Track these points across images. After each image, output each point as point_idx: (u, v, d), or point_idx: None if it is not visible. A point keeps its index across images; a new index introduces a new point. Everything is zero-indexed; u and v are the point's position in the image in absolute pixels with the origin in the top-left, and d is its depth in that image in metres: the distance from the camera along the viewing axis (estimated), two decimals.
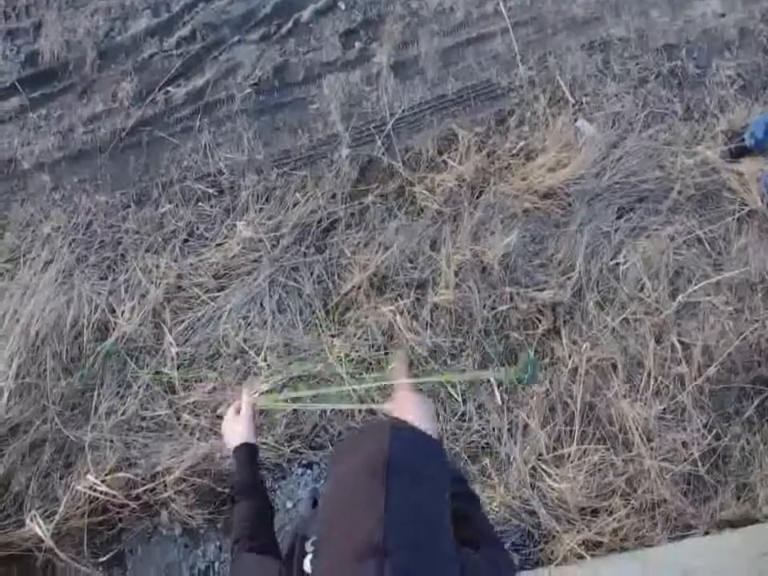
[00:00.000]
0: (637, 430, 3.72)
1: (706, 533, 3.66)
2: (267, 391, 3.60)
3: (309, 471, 3.66)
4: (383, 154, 4.25)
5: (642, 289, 4.02)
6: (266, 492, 2.00)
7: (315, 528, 1.55)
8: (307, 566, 1.42)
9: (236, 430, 2.05)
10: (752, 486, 3.79)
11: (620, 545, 3.57)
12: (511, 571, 1.78)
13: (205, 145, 4.19)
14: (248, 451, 2.00)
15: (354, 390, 3.56)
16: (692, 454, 3.73)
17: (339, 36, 4.55)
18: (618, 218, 4.21)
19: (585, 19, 4.71)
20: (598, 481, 3.64)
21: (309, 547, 1.48)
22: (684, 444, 3.76)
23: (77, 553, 3.40)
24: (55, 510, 3.32)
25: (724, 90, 4.57)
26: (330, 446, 3.67)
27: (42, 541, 3.23)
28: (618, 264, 4.08)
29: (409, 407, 1.85)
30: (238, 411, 2.12)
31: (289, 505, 3.58)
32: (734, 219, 4.23)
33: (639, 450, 3.70)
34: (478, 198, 4.17)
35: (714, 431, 3.82)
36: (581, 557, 3.49)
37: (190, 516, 3.47)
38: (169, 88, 4.27)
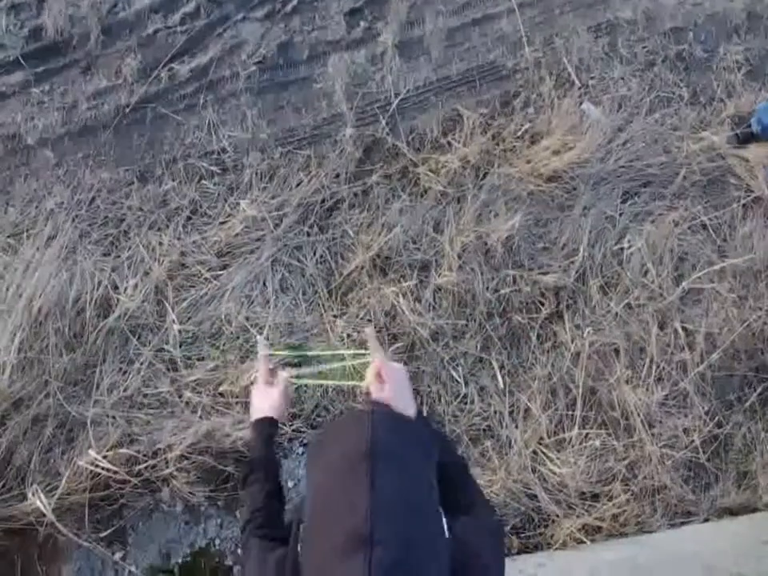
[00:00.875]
0: (638, 415, 3.76)
1: (706, 520, 3.71)
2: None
3: None
4: (387, 134, 4.26)
5: (645, 274, 4.05)
6: (278, 473, 1.97)
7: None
8: None
9: (265, 402, 2.03)
10: (753, 474, 3.84)
11: (620, 530, 3.62)
12: (500, 535, 1.78)
13: (209, 122, 4.19)
14: (269, 426, 1.99)
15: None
16: (693, 440, 3.78)
17: (344, 15, 4.54)
18: (623, 202, 4.24)
19: (592, 1, 4.71)
20: (598, 466, 3.68)
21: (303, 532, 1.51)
22: (685, 430, 3.81)
23: (78, 528, 3.44)
24: (57, 485, 3.35)
25: (731, 74, 4.59)
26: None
27: (44, 515, 3.26)
28: (621, 249, 4.10)
29: (385, 380, 1.84)
30: (268, 383, 2.09)
31: (290, 484, 3.61)
32: (739, 206, 4.27)
33: (640, 436, 3.75)
34: (482, 179, 4.19)
35: (716, 418, 3.88)
36: (580, 541, 3.54)
37: (191, 493, 3.50)
38: (173, 65, 4.26)
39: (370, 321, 3.82)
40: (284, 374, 2.12)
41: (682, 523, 3.68)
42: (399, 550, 1.10)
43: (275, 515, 1.82)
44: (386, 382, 1.82)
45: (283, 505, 1.91)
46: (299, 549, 1.34)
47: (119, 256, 3.87)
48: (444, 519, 1.29)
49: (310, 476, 1.36)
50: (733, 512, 3.74)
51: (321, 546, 1.16)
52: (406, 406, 1.77)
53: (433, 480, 1.32)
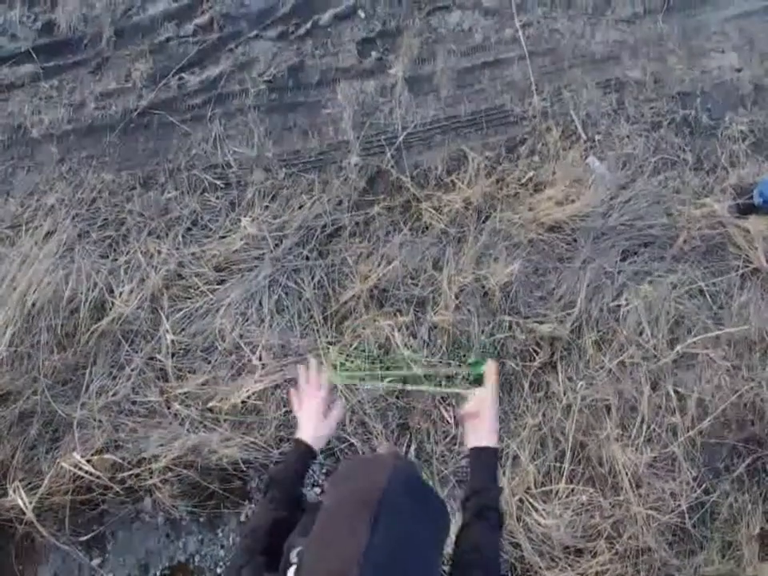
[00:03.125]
0: (626, 474, 3.81)
1: None
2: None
3: None
4: (392, 166, 4.36)
5: (641, 333, 4.14)
6: (299, 506, 1.99)
7: (298, 539, 1.59)
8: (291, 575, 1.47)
9: (319, 430, 2.10)
10: (738, 544, 3.89)
11: None
12: None
13: (215, 135, 4.26)
14: (310, 454, 2.05)
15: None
16: (680, 505, 3.83)
17: (357, 43, 4.67)
18: (623, 259, 4.35)
19: (602, 57, 4.90)
20: (584, 521, 3.72)
21: (294, 557, 1.51)
22: (672, 494, 3.86)
23: (58, 529, 3.43)
24: (39, 484, 3.35)
25: (736, 144, 4.76)
26: (319, 453, 3.69)
27: (24, 513, 3.26)
28: (619, 306, 4.20)
29: (486, 408, 2.10)
30: (326, 407, 2.16)
31: None
32: (737, 275, 4.39)
33: (627, 496, 3.79)
34: (483, 222, 4.28)
35: (704, 485, 3.95)
36: None
37: (173, 506, 3.51)
38: (183, 74, 4.33)
39: (363, 351, 3.86)
40: (343, 402, 2.19)
41: None
42: None
43: (276, 547, 1.74)
44: (487, 411, 2.07)
45: (287, 533, 1.85)
46: (291, 572, 1.42)
47: (117, 259, 3.90)
48: None
49: (325, 500, 1.40)
50: None
51: (312, 572, 1.20)
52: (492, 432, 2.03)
53: (436, 557, 1.34)
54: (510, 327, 4.05)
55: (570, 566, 3.63)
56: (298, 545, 1.55)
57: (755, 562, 3.83)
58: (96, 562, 3.49)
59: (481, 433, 2.11)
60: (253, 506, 3.64)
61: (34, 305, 3.54)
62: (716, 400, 4.03)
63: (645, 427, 3.94)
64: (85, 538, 3.49)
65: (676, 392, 4.03)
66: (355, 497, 1.25)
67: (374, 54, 4.66)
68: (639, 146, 4.63)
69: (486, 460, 2.06)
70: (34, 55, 4.21)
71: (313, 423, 2.10)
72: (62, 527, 3.43)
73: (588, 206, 4.30)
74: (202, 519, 3.59)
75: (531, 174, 4.42)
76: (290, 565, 1.47)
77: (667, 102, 4.82)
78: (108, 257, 3.92)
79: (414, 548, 1.22)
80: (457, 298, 4.01)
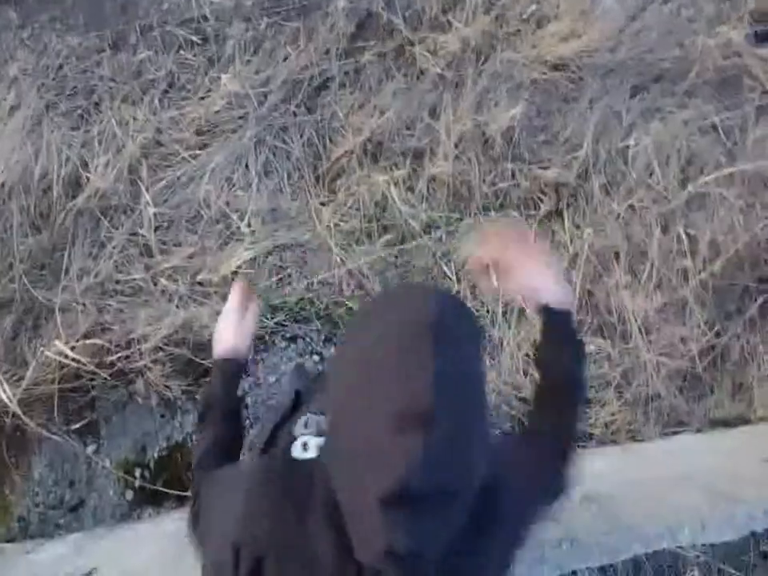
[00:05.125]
0: (636, 321, 3.78)
1: (698, 430, 3.80)
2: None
3: (293, 345, 3.68)
4: (383, 8, 4.11)
5: (651, 175, 4.01)
6: (240, 417, 1.85)
7: (318, 402, 1.53)
8: (297, 451, 1.40)
9: (234, 334, 1.88)
10: (748, 386, 3.89)
11: (611, 438, 3.68)
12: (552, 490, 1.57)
13: None
14: (235, 365, 1.86)
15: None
16: (690, 350, 3.81)
17: None
18: (632, 96, 4.16)
19: None
20: (592, 371, 3.71)
21: (300, 429, 1.46)
22: (683, 339, 3.84)
23: (48, 419, 3.42)
24: (23, 375, 3.32)
25: None
26: (317, 320, 3.69)
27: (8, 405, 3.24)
28: (627, 146, 4.05)
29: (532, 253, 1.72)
30: (241, 309, 1.93)
31: (271, 379, 3.60)
32: (753, 108, 4.20)
33: (637, 343, 3.78)
34: (483, 64, 4.08)
35: (715, 329, 3.90)
36: None
37: (166, 386, 3.49)
38: None
39: (358, 210, 3.80)
40: (258, 301, 1.99)
41: (674, 433, 3.77)
42: (457, 432, 1.05)
43: (228, 461, 1.67)
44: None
45: (240, 451, 1.80)
46: (297, 445, 1.35)
47: (89, 131, 3.75)
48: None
49: (347, 350, 1.24)
50: (726, 423, 3.83)
51: (364, 423, 1.08)
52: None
53: (485, 374, 1.25)
54: (513, 175, 3.92)
55: None
56: (303, 415, 1.52)
57: (766, 403, 3.87)
58: (91, 449, 3.49)
59: (535, 284, 1.71)
60: (250, 376, 3.65)
61: (2, 186, 3.45)
62: (728, 240, 3.93)
63: (655, 272, 3.87)
64: (77, 425, 3.49)
65: (687, 234, 3.93)
66: (403, 327, 1.12)
67: None
68: None
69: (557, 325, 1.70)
70: None
71: (226, 324, 1.90)
72: (52, 417, 3.41)
73: (595, 40, 4.09)
74: (197, 397, 3.54)
75: (533, 7, 4.19)
76: (294, 439, 1.42)
77: None
78: (79, 128, 3.76)
79: (473, 369, 1.16)
80: (456, 147, 3.88)
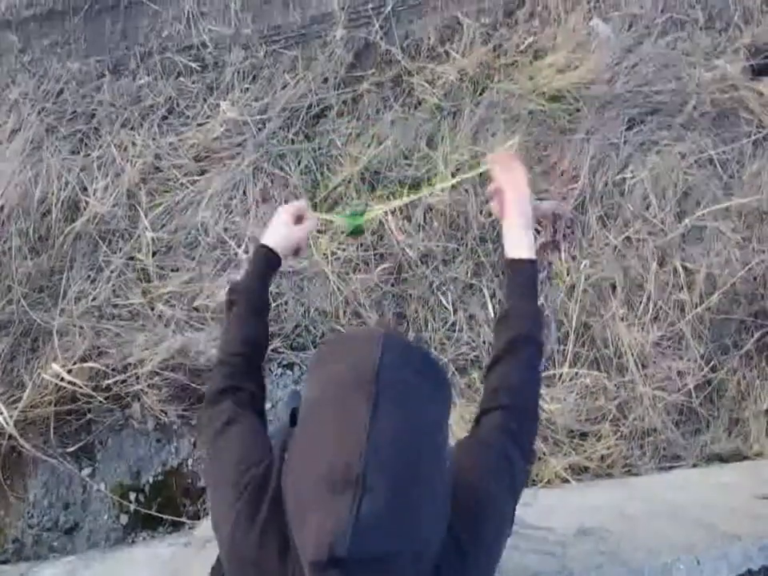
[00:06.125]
0: (632, 354, 3.80)
1: (695, 465, 3.80)
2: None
3: (289, 372, 3.69)
4: (381, 38, 4.15)
5: (647, 207, 4.05)
6: (267, 311, 1.85)
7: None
8: None
9: (279, 234, 1.90)
10: (745, 421, 3.90)
11: (606, 471, 3.68)
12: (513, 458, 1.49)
13: (188, 13, 4.04)
14: (271, 261, 1.87)
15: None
16: (686, 384, 3.83)
17: None
18: (628, 129, 4.19)
19: None
20: (588, 404, 3.72)
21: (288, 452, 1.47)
22: (679, 373, 3.85)
23: (44, 442, 3.43)
24: (20, 396, 3.33)
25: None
26: (312, 347, 3.69)
27: (4, 427, 3.24)
28: (624, 179, 4.09)
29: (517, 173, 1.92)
30: (295, 218, 1.95)
31: (267, 406, 3.61)
32: (749, 141, 4.25)
33: (633, 376, 3.79)
34: (480, 94, 4.12)
35: (711, 363, 3.91)
36: (566, 480, 3.60)
37: (162, 411, 3.49)
38: None
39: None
40: (316, 216, 2.03)
41: (670, 467, 3.77)
42: (391, 500, 1.03)
43: (255, 368, 1.73)
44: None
45: (266, 353, 1.83)
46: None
47: (89, 155, 3.77)
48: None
49: (307, 388, 1.27)
50: (722, 458, 3.84)
51: (307, 475, 1.09)
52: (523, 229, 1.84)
53: (444, 433, 1.22)
54: None
55: (574, 450, 3.65)
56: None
57: (762, 439, 3.88)
58: (86, 472, 3.49)
59: (513, 232, 1.85)
60: None
61: (2, 209, 3.46)
62: (725, 274, 3.96)
63: (651, 305, 3.89)
64: (73, 448, 3.49)
65: (684, 267, 3.96)
66: (345, 377, 1.13)
67: None
68: (646, 4, 4.40)
69: (519, 279, 1.79)
70: None
71: (280, 230, 1.91)
72: (48, 439, 3.42)
73: (592, 72, 4.13)
74: (193, 422, 3.58)
75: (531, 39, 4.23)
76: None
77: None
78: (79, 153, 3.78)
79: (421, 426, 1.12)
80: (453, 176, 3.93)
